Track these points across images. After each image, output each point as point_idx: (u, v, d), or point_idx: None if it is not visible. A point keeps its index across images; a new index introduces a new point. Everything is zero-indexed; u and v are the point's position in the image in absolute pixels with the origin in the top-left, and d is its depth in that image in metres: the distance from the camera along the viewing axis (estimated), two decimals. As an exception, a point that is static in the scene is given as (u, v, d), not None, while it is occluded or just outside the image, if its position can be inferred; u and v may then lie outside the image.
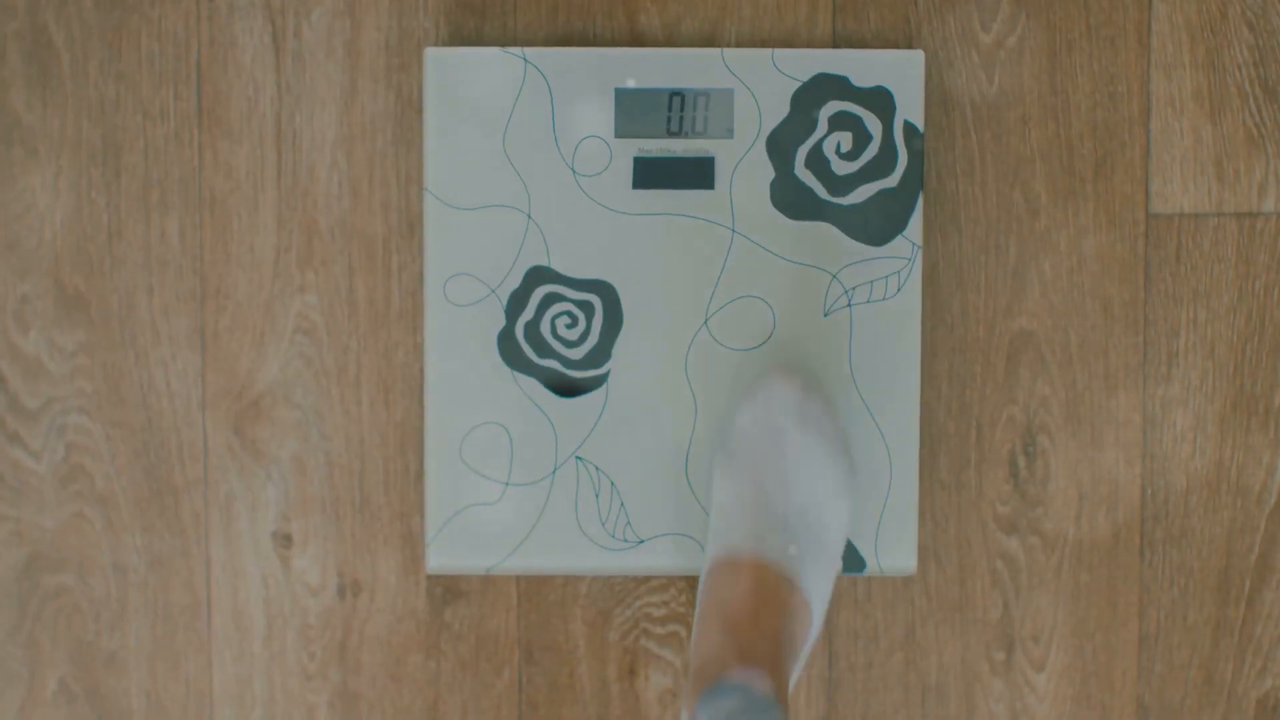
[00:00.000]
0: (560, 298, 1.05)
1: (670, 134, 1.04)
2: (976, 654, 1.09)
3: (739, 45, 1.07)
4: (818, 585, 0.99)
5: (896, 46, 1.07)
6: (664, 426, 1.05)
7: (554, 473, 1.05)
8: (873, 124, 1.05)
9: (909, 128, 1.05)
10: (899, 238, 1.05)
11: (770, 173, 1.05)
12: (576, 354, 1.05)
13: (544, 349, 1.05)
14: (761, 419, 1.00)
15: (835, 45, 1.07)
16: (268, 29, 1.06)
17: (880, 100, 1.04)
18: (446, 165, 1.04)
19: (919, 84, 1.04)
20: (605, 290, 1.05)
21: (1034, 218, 1.07)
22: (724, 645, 0.96)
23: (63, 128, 1.06)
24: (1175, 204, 1.08)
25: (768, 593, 0.97)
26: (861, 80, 1.04)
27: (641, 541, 1.06)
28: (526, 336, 1.05)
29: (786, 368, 1.02)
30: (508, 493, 1.05)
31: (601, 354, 1.05)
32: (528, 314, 1.05)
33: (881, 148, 1.05)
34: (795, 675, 1.00)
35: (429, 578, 1.09)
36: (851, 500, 1.01)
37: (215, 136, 1.07)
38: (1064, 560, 1.09)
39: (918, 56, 1.04)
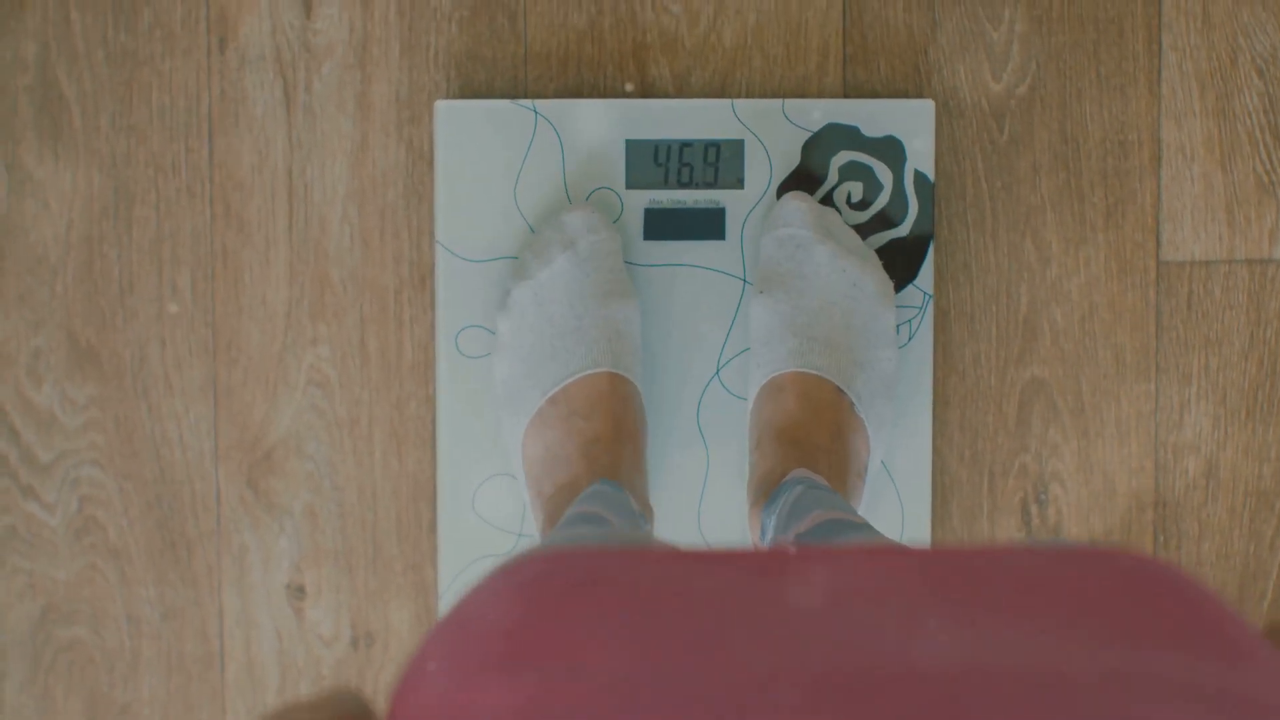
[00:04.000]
0: (572, 349, 1.05)
1: (681, 185, 1.04)
2: (990, 701, 1.09)
3: (749, 96, 1.07)
4: (871, 402, 0.98)
5: (907, 96, 1.07)
6: (676, 477, 1.05)
7: (567, 524, 1.05)
8: (883, 173, 1.05)
9: (920, 177, 1.05)
10: (910, 287, 1.05)
11: (781, 223, 1.05)
12: (588, 405, 1.05)
13: (556, 400, 1.05)
14: (784, 238, 1.00)
15: (846, 95, 1.07)
16: (278, 82, 1.06)
17: (891, 150, 1.05)
18: (458, 217, 1.04)
19: (930, 133, 1.05)
20: (617, 341, 1.05)
21: (1045, 266, 1.07)
22: (779, 456, 0.95)
23: (74, 181, 1.07)
24: (1186, 251, 1.08)
25: (819, 404, 0.96)
26: (872, 130, 1.05)
27: (654, 592, 1.06)
28: (538, 388, 1.05)
29: (795, 192, 1.02)
30: (520, 544, 1.05)
31: (613, 405, 1.05)
32: (540, 365, 1.05)
33: (892, 197, 1.05)
34: (859, 497, 0.98)
35: (442, 628, 1.09)
36: (894, 313, 1.00)
37: (227, 190, 1.07)
38: (1077, 607, 1.09)
39: (928, 106, 1.05)
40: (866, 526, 0.84)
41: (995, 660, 0.43)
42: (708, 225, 1.04)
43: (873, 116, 1.04)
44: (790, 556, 0.53)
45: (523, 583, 0.47)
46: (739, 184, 1.04)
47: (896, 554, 0.52)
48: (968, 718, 0.41)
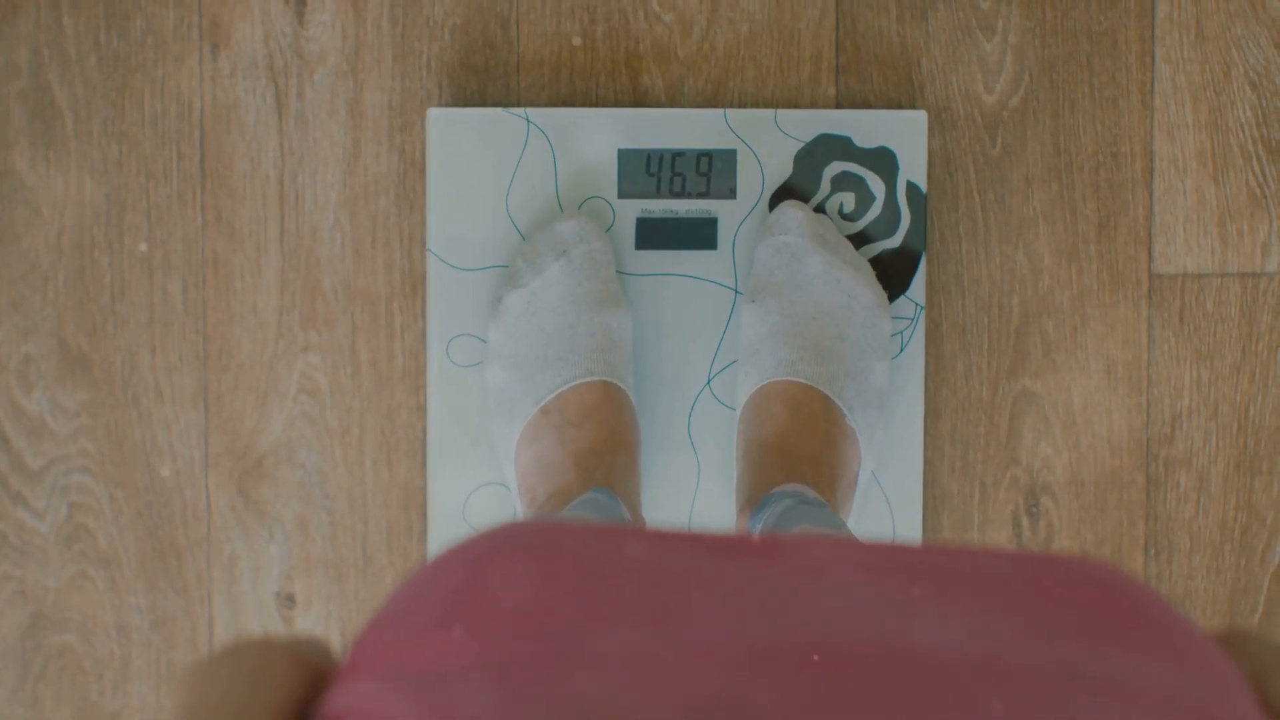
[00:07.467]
0: (563, 359, 1.05)
1: (673, 194, 1.04)
2: (980, 713, 1.09)
3: (742, 106, 1.07)
4: (863, 412, 0.98)
5: (899, 107, 1.07)
6: (667, 487, 1.05)
7: (557, 533, 1.05)
8: (876, 184, 1.05)
9: (912, 188, 1.04)
10: (902, 298, 1.05)
11: (773, 234, 1.05)
12: (579, 415, 1.05)
13: (547, 410, 1.05)
14: (779, 246, 1.00)
15: (838, 106, 1.07)
16: (271, 89, 1.06)
17: (883, 161, 1.04)
18: (449, 225, 1.04)
19: (922, 144, 1.04)
20: (608, 351, 1.05)
21: (1037, 278, 1.07)
22: (767, 464, 0.94)
23: (66, 187, 1.07)
24: (1178, 264, 1.08)
25: (809, 413, 0.96)
26: (864, 141, 1.04)
27: (644, 602, 1.06)
28: (529, 397, 1.05)
29: (792, 201, 1.02)
30: (510, 553, 1.05)
31: (604, 415, 1.05)
32: (531, 374, 1.05)
33: (884, 208, 1.05)
34: (850, 507, 0.98)
35: (432, 637, 1.08)
36: (889, 324, 1.00)
37: (218, 196, 1.07)
38: (1067, 619, 1.09)
39: (921, 117, 1.04)
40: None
41: (944, 643, 0.44)
42: (699, 235, 1.04)
43: (865, 127, 1.04)
44: (750, 540, 0.53)
45: (484, 549, 0.48)
46: (731, 194, 1.04)
47: (857, 544, 0.53)
48: (905, 691, 0.41)
